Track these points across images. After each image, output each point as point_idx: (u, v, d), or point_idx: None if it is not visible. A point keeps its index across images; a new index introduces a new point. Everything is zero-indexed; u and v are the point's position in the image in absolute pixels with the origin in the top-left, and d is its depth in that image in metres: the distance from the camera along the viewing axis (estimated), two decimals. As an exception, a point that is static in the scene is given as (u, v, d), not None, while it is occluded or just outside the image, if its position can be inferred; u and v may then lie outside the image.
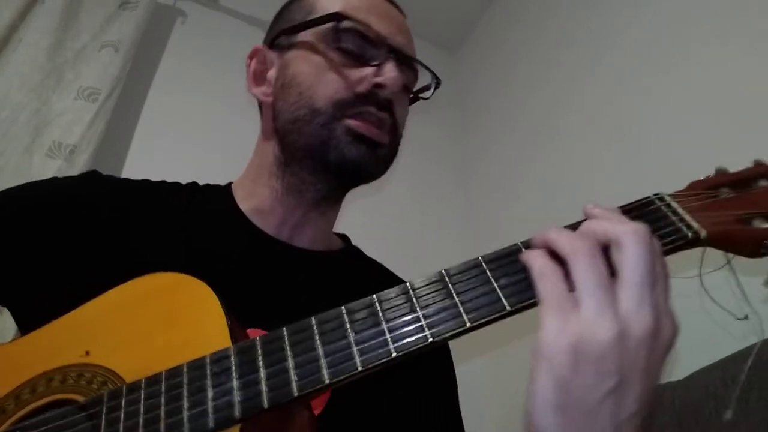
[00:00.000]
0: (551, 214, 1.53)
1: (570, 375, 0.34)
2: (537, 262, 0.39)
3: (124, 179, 0.70)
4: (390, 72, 0.64)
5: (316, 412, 0.52)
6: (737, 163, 0.49)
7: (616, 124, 1.38)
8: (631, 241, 0.37)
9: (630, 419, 0.34)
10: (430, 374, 0.66)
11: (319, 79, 0.64)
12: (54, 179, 0.68)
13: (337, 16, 0.64)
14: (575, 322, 0.35)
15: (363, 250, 0.80)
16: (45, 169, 1.29)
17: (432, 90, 0.74)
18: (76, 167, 1.32)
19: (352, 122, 0.63)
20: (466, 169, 2.07)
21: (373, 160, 0.65)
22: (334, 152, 0.62)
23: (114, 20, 1.53)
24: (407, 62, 0.69)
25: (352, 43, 0.65)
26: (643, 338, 0.35)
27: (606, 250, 0.39)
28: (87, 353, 0.48)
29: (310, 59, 0.65)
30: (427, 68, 0.72)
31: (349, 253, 0.78)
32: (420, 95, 0.74)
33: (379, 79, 0.64)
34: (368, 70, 0.64)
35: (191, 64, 1.71)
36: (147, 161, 1.51)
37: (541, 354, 0.36)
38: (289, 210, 0.68)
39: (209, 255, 0.61)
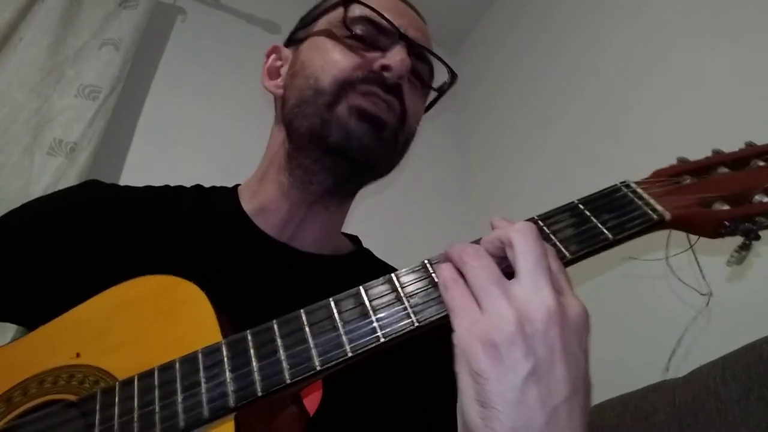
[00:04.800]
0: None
1: (484, 368, 0.35)
2: (441, 275, 0.41)
3: (126, 186, 0.70)
4: (397, 55, 0.62)
5: (310, 412, 0.53)
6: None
7: (617, 122, 1.38)
8: (517, 236, 0.40)
9: (565, 403, 0.34)
10: (426, 368, 0.64)
11: (326, 59, 0.63)
12: (54, 193, 0.68)
13: (346, 2, 0.63)
14: (479, 320, 0.37)
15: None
16: (46, 166, 1.30)
17: (448, 84, 0.73)
18: (77, 165, 1.33)
19: (355, 100, 0.61)
20: (466, 170, 2.06)
21: (376, 142, 0.62)
22: (336, 132, 0.61)
23: (114, 18, 1.54)
24: (420, 56, 0.68)
25: (364, 30, 0.64)
26: (548, 319, 0.35)
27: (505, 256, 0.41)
28: (78, 355, 0.49)
29: (321, 45, 0.65)
30: (441, 60, 0.70)
31: (356, 257, 0.75)
32: (432, 87, 0.71)
33: (385, 61, 0.63)
34: (376, 54, 0.64)
35: (191, 63, 1.72)
36: (147, 159, 1.50)
37: (457, 356, 0.37)
38: (294, 205, 0.67)
39: (207, 258, 0.61)
